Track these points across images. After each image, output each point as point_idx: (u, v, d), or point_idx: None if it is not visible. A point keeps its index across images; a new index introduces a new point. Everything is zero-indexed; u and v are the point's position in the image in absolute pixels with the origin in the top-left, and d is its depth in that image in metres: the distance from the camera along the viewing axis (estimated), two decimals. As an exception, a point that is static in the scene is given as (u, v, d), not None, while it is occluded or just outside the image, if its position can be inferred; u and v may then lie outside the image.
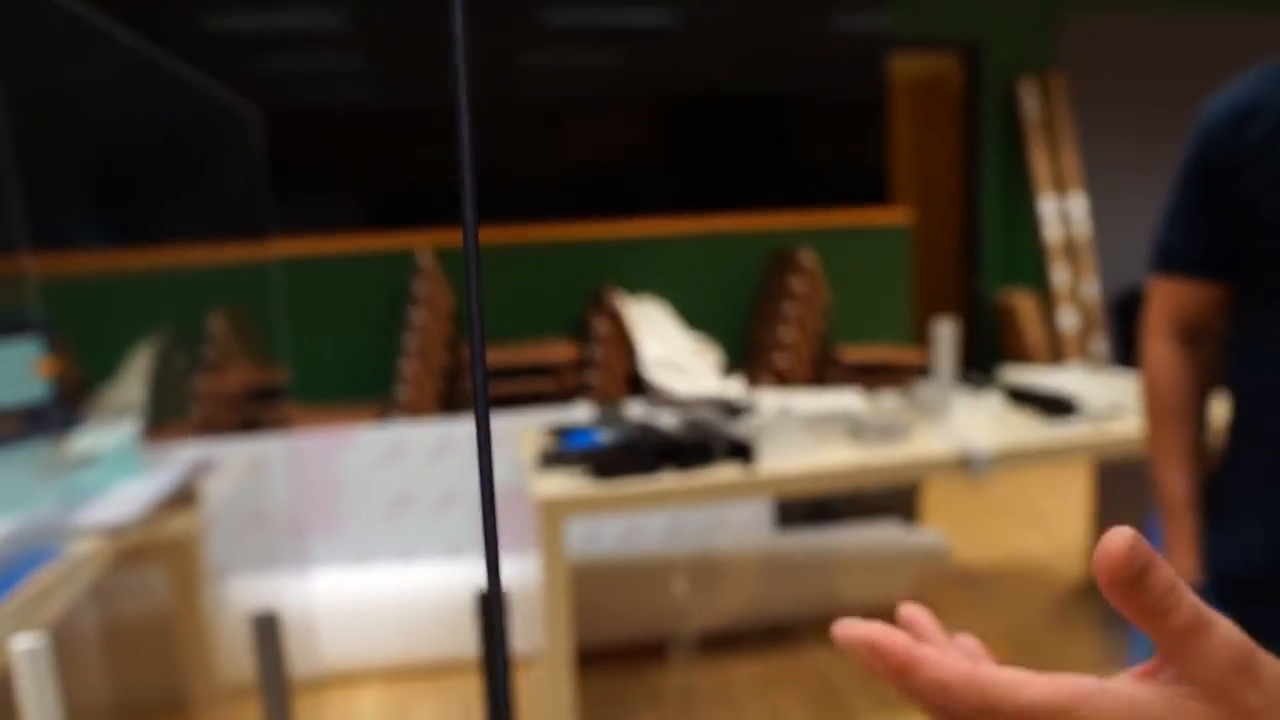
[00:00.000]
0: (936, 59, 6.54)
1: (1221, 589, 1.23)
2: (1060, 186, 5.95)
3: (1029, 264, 6.00)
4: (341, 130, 3.77)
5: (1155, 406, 1.29)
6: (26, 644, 0.96)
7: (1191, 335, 1.28)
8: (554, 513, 2.09)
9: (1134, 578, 0.31)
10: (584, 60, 4.14)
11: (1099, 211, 5.96)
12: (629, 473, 2.14)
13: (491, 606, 0.31)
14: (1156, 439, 1.29)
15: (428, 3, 3.78)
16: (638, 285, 3.90)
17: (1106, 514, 3.36)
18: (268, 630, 0.96)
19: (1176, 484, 1.27)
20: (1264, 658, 0.32)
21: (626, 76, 4.13)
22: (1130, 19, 6.18)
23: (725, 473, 2.20)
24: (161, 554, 1.97)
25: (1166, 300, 1.27)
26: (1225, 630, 0.32)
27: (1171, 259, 1.26)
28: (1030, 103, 5.98)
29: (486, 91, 3.93)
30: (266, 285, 3.09)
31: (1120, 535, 0.31)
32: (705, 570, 2.94)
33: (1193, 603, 0.31)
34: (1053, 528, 3.99)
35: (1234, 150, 1.15)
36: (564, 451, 2.27)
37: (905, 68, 6.87)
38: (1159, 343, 1.29)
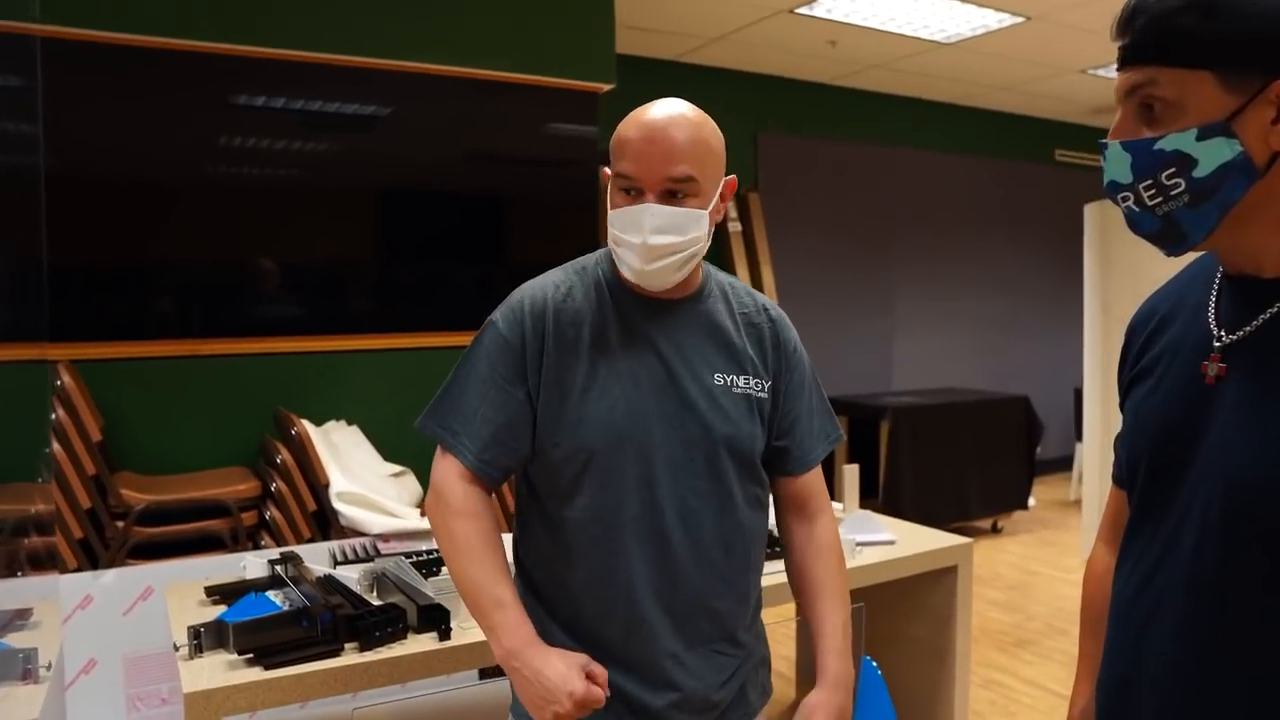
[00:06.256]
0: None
1: None
2: (760, 301, 6.16)
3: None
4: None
5: (1082, 610, 1.27)
6: None
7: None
8: (205, 710, 1.70)
9: None
10: (287, 148, 3.77)
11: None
12: (298, 656, 1.79)
13: None
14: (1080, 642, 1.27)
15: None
16: (329, 407, 3.52)
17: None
18: None
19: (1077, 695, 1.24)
20: None
21: (331, 166, 3.80)
22: (812, 143, 6.63)
23: (422, 644, 1.91)
24: None
25: (1109, 505, 1.23)
26: None
27: (1114, 469, 1.20)
28: (731, 220, 6.20)
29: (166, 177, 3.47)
30: None
31: None
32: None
33: None
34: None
35: (1141, 357, 1.08)
36: (223, 624, 1.88)
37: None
38: (1097, 544, 1.26)
